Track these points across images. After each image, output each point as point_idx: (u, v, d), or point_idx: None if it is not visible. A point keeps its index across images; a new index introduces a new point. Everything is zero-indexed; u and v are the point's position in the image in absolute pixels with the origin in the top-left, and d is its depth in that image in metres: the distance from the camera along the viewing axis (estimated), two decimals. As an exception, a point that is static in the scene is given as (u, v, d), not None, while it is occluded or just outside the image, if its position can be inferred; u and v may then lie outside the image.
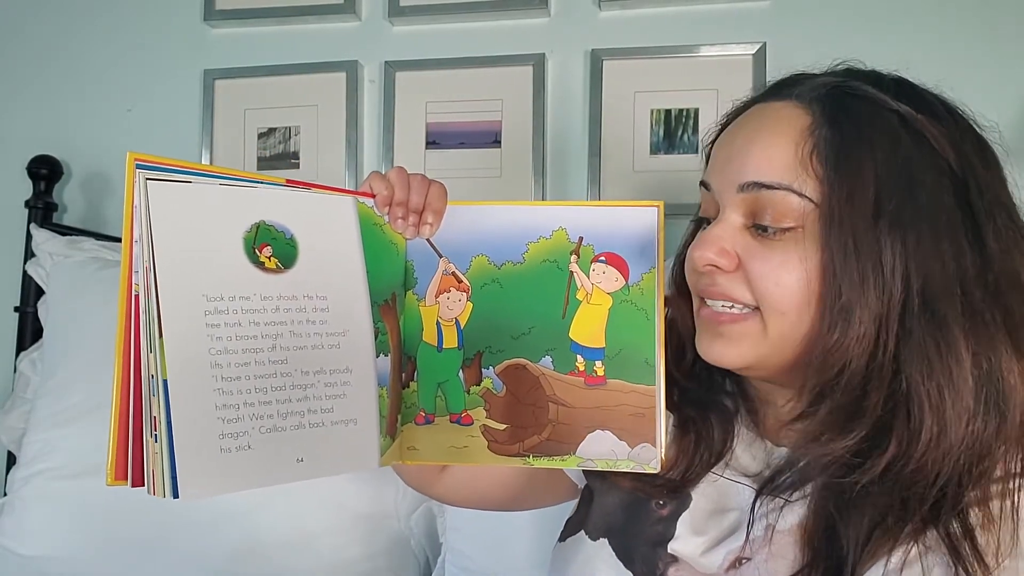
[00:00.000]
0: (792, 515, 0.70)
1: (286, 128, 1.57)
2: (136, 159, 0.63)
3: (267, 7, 1.57)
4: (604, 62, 1.46)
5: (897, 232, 0.65)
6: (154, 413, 0.61)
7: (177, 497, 0.60)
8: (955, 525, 0.63)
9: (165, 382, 0.61)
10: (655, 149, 1.45)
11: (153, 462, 0.61)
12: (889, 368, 0.65)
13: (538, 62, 1.48)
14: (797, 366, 0.71)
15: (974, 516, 0.63)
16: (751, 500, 0.72)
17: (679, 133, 1.44)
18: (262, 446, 0.65)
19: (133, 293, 0.63)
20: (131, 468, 0.62)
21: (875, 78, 0.72)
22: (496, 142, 1.50)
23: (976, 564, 0.61)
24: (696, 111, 1.44)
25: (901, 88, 0.71)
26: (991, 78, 1.34)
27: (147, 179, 0.63)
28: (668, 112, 1.45)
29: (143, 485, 0.61)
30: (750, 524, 0.71)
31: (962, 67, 1.34)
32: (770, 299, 0.69)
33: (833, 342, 0.66)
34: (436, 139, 1.52)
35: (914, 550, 0.63)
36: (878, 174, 0.66)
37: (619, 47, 1.46)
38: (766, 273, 0.69)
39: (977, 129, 0.71)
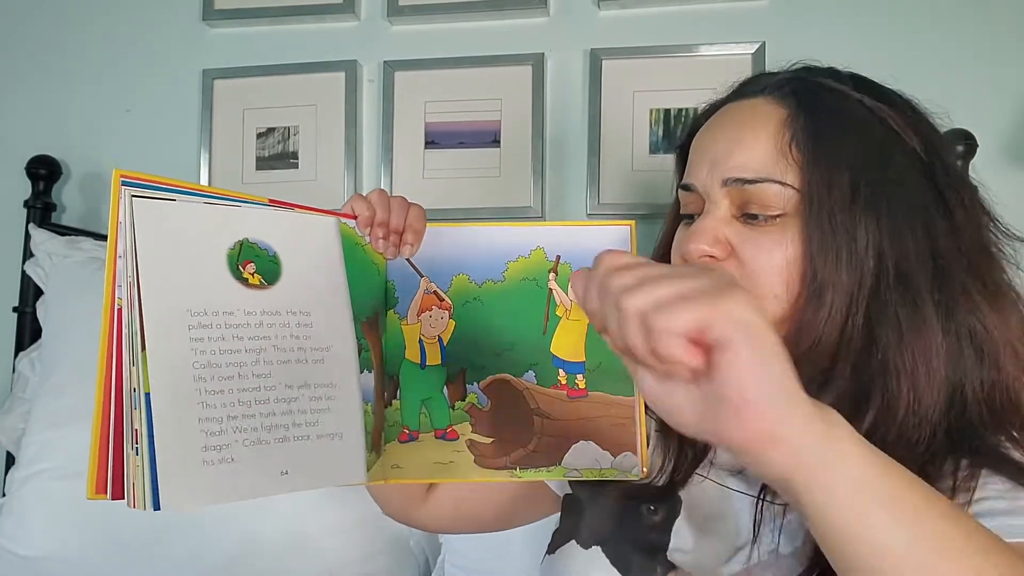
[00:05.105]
0: (795, 537, 0.69)
1: (285, 128, 1.57)
2: (122, 176, 0.64)
3: (266, 7, 1.56)
4: (603, 62, 1.46)
5: (871, 211, 0.69)
6: (136, 426, 0.61)
7: (158, 509, 0.60)
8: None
9: (148, 395, 0.61)
10: (654, 148, 1.44)
11: (134, 475, 0.61)
12: (859, 340, 0.68)
13: (537, 62, 1.48)
14: None
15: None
16: (741, 504, 0.73)
17: (678, 132, 1.43)
18: (245, 459, 0.65)
19: (116, 306, 0.63)
20: (111, 480, 0.62)
21: (834, 73, 0.77)
22: (495, 142, 1.50)
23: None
24: (695, 111, 1.42)
25: (859, 82, 0.76)
26: (988, 79, 1.33)
27: (133, 196, 0.64)
28: (667, 112, 1.44)
29: (123, 498, 0.61)
30: (755, 540, 0.71)
31: (959, 68, 1.33)
32: (759, 282, 0.71)
33: (806, 320, 0.69)
34: (435, 139, 1.52)
35: None
36: (853, 157, 0.70)
37: (618, 47, 1.46)
38: (757, 256, 0.72)
39: (929, 119, 0.76)
